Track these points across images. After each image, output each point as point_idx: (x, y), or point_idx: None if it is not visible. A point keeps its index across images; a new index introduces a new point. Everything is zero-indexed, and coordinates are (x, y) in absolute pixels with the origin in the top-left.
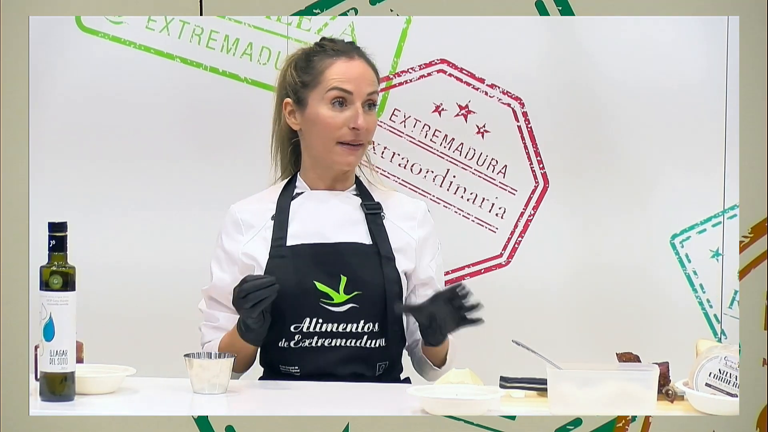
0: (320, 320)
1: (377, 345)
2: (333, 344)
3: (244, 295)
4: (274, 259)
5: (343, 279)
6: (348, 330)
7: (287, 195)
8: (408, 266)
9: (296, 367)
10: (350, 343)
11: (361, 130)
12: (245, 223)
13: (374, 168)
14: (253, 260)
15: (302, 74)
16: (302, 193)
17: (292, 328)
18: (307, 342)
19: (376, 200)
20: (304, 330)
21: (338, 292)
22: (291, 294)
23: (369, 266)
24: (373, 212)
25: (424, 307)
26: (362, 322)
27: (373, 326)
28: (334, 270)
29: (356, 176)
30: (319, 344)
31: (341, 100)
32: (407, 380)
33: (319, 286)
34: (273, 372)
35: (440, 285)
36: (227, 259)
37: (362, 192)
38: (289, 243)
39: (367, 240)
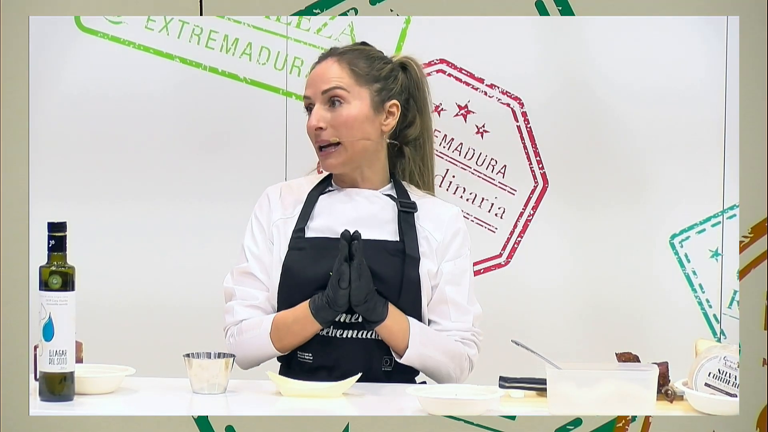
0: None
1: None
2: (344, 335)
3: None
4: (292, 251)
5: None
6: (360, 320)
7: (319, 189)
8: (431, 267)
9: (309, 355)
10: (361, 334)
11: (311, 129)
12: (275, 204)
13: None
14: (274, 247)
15: None
16: (333, 190)
17: None
18: (324, 330)
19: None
20: None
21: None
22: (307, 285)
23: (388, 263)
24: (406, 210)
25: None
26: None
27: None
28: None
29: (395, 177)
30: (332, 334)
31: (309, 106)
32: (423, 384)
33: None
34: (288, 361)
35: (451, 287)
36: (261, 234)
37: (399, 191)
38: (309, 235)
39: (393, 237)
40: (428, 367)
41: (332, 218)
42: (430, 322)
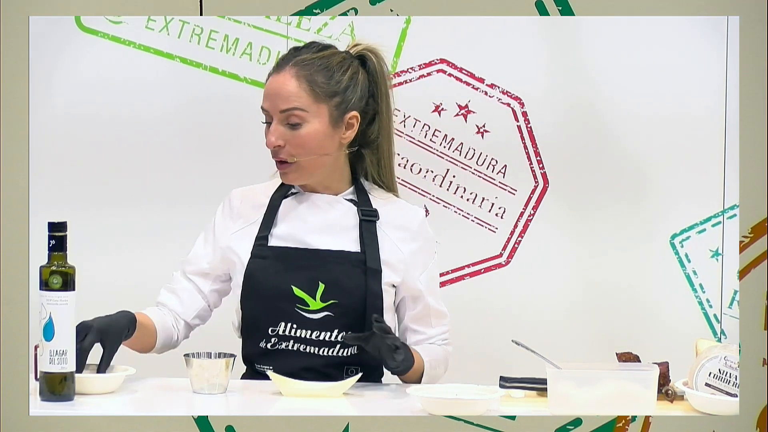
0: (295, 325)
1: (349, 353)
2: (307, 350)
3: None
4: (255, 258)
5: (321, 286)
6: (321, 338)
7: (282, 192)
8: (394, 279)
9: (270, 367)
10: (323, 351)
11: (269, 147)
12: (237, 212)
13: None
14: (236, 256)
15: None
16: (296, 192)
17: (269, 331)
18: (283, 345)
19: (374, 206)
20: (280, 333)
21: (315, 298)
22: (269, 297)
23: (351, 275)
24: (368, 219)
25: (368, 338)
26: (336, 331)
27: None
28: (313, 276)
29: (358, 179)
30: (294, 348)
31: (266, 116)
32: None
33: (296, 291)
34: (252, 370)
35: (431, 298)
36: (213, 240)
37: (360, 197)
38: (272, 244)
39: (355, 248)
40: (427, 381)
41: (295, 226)
42: (411, 330)
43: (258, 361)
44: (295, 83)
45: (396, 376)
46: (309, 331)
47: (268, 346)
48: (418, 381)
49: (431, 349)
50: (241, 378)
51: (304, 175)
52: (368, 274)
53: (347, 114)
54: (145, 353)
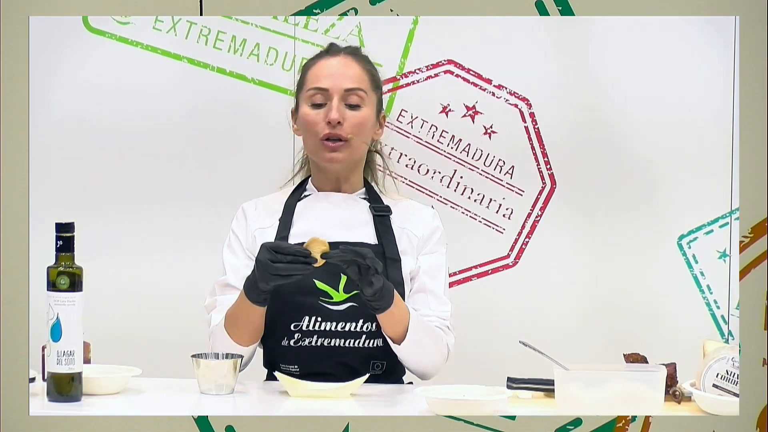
0: (319, 318)
1: (375, 345)
2: (331, 344)
3: (276, 261)
4: None
5: (343, 278)
6: (346, 329)
7: (295, 196)
8: (412, 265)
9: (296, 366)
10: (348, 343)
11: (333, 122)
12: (252, 219)
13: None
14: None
15: (298, 79)
16: (310, 195)
17: (292, 327)
18: (307, 341)
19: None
20: (304, 328)
21: (338, 290)
22: (291, 292)
23: None
24: (381, 214)
25: (348, 262)
26: (361, 321)
27: (371, 326)
28: (335, 269)
29: (368, 182)
30: (318, 343)
31: (320, 97)
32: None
33: (319, 284)
34: (272, 372)
35: (431, 282)
36: (241, 247)
37: (371, 196)
38: (291, 242)
39: (372, 240)
40: (418, 355)
41: (312, 222)
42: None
43: (281, 360)
44: (358, 66)
45: (412, 377)
46: (334, 323)
47: (291, 342)
48: (402, 336)
49: (424, 320)
50: (265, 381)
51: (348, 157)
52: (388, 264)
53: (381, 111)
54: (247, 345)
